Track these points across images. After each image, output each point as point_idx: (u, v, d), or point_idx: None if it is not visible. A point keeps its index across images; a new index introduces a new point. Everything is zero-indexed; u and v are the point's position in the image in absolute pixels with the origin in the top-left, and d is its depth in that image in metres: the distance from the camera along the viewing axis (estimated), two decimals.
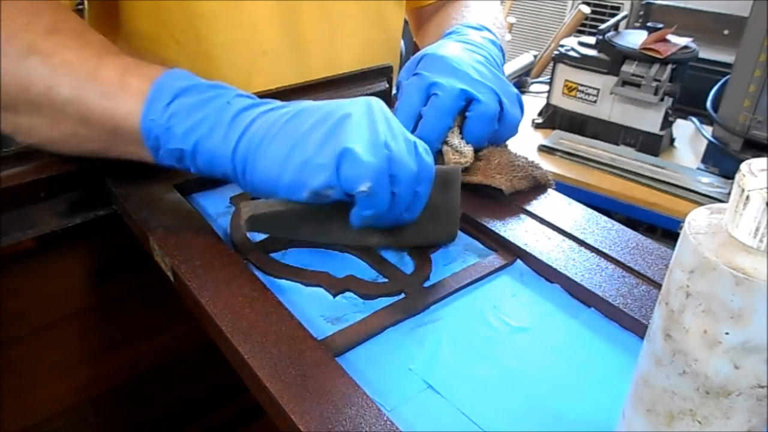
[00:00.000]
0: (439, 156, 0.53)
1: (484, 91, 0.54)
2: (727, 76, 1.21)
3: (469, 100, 0.53)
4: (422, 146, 0.43)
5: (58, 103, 0.45)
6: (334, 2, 0.70)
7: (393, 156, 0.40)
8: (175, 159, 0.44)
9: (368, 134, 0.40)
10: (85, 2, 0.69)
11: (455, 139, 0.53)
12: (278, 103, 0.44)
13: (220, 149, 0.42)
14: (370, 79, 0.68)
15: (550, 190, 0.54)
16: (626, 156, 1.28)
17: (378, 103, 0.44)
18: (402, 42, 1.75)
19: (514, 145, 0.58)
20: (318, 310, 0.42)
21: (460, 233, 0.50)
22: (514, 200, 0.52)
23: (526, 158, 0.55)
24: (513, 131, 0.56)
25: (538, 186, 0.54)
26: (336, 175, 0.39)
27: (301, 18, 0.68)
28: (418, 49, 0.60)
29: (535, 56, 1.63)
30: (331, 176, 0.39)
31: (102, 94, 0.44)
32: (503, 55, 0.64)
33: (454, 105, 0.52)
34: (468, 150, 0.53)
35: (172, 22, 0.64)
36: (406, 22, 0.91)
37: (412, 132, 0.52)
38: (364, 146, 0.39)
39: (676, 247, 0.25)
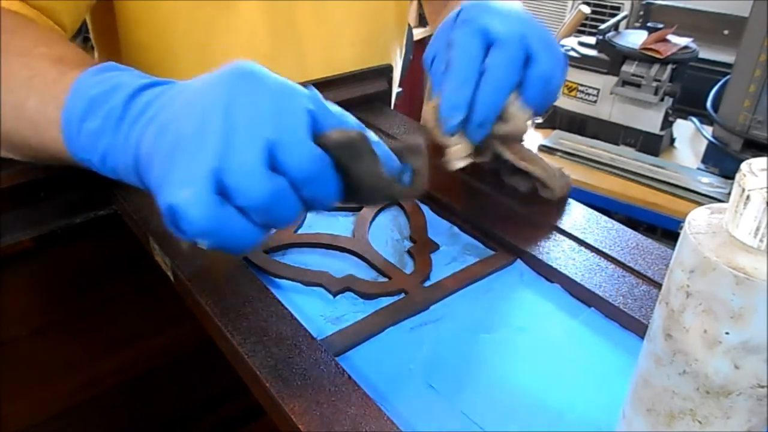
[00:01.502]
0: (498, 120, 0.46)
1: (544, 47, 0.46)
2: (727, 76, 1.22)
3: (528, 56, 0.46)
4: (299, 134, 0.33)
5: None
6: (330, 2, 0.69)
7: (230, 187, 0.32)
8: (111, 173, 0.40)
9: (199, 167, 0.32)
10: (87, 18, 0.69)
11: (515, 102, 0.46)
12: (161, 93, 0.38)
13: (123, 167, 0.38)
14: (370, 79, 0.68)
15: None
16: (626, 156, 1.28)
17: (243, 83, 0.34)
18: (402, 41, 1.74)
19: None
20: (318, 310, 0.42)
21: (459, 233, 0.50)
22: (515, 200, 0.52)
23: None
24: (554, 98, 0.49)
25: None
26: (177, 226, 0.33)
27: (297, 19, 0.68)
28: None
29: None
30: (168, 224, 0.33)
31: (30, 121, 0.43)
32: None
33: (520, 56, 0.45)
34: (527, 114, 0.46)
35: (169, 32, 0.64)
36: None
37: (473, 93, 0.45)
38: (192, 192, 0.31)
39: (676, 247, 0.25)
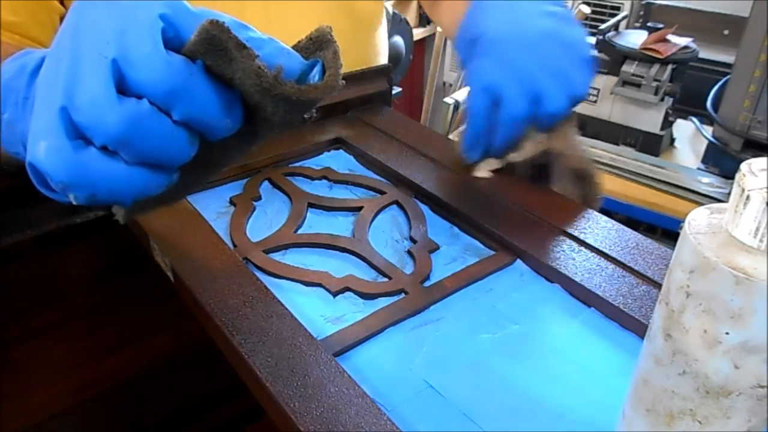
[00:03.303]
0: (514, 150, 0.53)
1: (551, 83, 0.48)
2: (727, 76, 1.22)
3: (536, 97, 0.49)
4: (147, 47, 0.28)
5: None
6: (283, 2, 0.66)
7: (81, 124, 0.28)
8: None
9: (49, 112, 0.29)
10: None
11: (530, 134, 0.51)
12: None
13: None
14: (370, 79, 0.68)
15: (550, 191, 0.54)
16: (626, 156, 1.28)
17: (89, 6, 0.30)
18: (402, 40, 1.74)
19: None
20: (318, 310, 0.42)
21: (459, 233, 0.50)
22: (514, 200, 0.52)
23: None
24: (586, 92, 0.51)
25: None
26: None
27: (246, 20, 0.65)
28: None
29: None
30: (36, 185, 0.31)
31: None
32: None
33: (523, 108, 0.49)
34: (540, 141, 0.51)
35: None
36: (406, 22, 0.90)
37: (486, 140, 0.51)
38: (46, 143, 0.28)
39: (676, 247, 0.25)
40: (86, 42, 0.29)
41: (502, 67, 0.49)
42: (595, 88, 1.34)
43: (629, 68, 1.26)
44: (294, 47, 0.32)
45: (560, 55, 0.49)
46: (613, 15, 1.53)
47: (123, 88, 0.28)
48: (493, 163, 0.54)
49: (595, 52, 1.31)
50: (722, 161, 1.23)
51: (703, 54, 1.33)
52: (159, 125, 0.29)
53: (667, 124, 1.31)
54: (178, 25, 0.29)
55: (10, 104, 0.35)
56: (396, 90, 1.68)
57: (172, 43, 0.29)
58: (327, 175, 0.56)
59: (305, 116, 0.34)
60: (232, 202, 0.52)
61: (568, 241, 0.47)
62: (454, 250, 0.48)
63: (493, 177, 0.54)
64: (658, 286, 0.42)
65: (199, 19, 0.29)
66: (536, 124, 0.50)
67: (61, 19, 0.60)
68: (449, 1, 0.72)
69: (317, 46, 0.32)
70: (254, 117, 0.33)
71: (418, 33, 2.03)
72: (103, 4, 0.29)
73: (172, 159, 0.30)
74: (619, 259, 0.45)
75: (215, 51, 0.29)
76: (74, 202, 0.30)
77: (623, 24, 1.43)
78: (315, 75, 0.32)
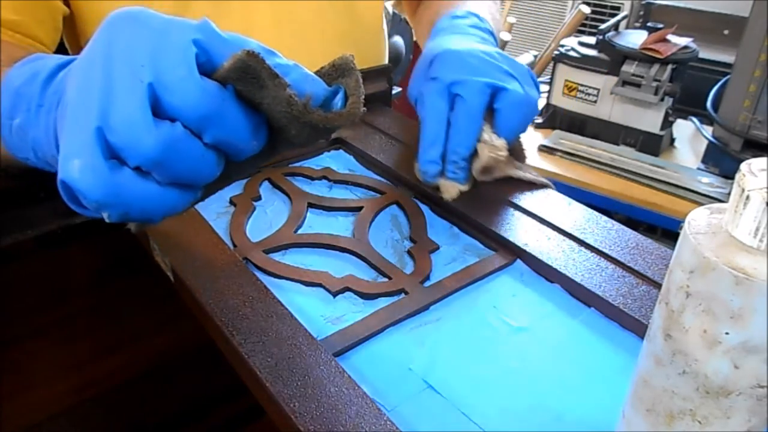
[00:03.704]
0: (475, 155, 0.51)
1: (505, 78, 0.51)
2: (727, 76, 1.22)
3: (494, 92, 0.50)
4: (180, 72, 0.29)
5: None
6: (291, 3, 0.67)
7: (117, 146, 0.29)
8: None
9: (84, 132, 0.29)
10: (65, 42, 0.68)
11: (486, 134, 0.51)
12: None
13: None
14: (370, 79, 0.68)
15: (549, 191, 0.54)
16: (626, 156, 1.28)
17: (122, 29, 0.30)
18: (402, 40, 1.74)
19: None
20: (318, 310, 0.42)
21: (459, 233, 0.50)
22: (514, 200, 0.52)
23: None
24: (535, 113, 0.54)
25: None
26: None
27: (254, 20, 0.65)
28: (419, 48, 0.59)
29: (535, 56, 1.63)
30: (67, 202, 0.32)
31: None
32: (494, 39, 0.62)
33: (482, 102, 0.50)
34: (501, 143, 0.51)
35: None
36: (406, 22, 0.90)
37: (445, 141, 0.50)
38: (81, 162, 0.29)
39: (676, 247, 0.25)
40: (120, 63, 0.29)
41: (459, 69, 0.51)
42: (595, 88, 1.34)
43: (629, 68, 1.26)
44: (317, 73, 0.33)
45: (512, 66, 0.52)
46: (613, 15, 1.53)
47: (158, 111, 0.29)
48: (458, 186, 0.51)
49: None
50: (722, 161, 1.23)
51: (703, 54, 1.33)
52: (192, 148, 0.30)
53: (667, 124, 1.31)
54: (210, 50, 0.30)
55: (23, 110, 0.35)
56: (396, 90, 1.68)
57: (204, 67, 0.30)
58: (327, 175, 0.56)
59: (325, 137, 0.36)
60: (232, 202, 0.52)
61: (568, 241, 0.47)
62: (454, 250, 0.48)
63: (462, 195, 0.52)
64: (658, 286, 0.42)
65: (229, 44, 0.30)
66: (493, 125, 0.51)
67: (64, 18, 0.60)
68: (425, 16, 0.74)
69: (339, 72, 0.34)
70: (276, 137, 0.34)
71: None
72: (135, 26, 0.30)
73: (201, 179, 0.31)
74: (619, 259, 0.45)
75: (248, 78, 0.30)
76: (107, 220, 0.31)
77: (623, 24, 1.43)
78: (338, 102, 0.33)
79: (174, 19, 0.31)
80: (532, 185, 0.54)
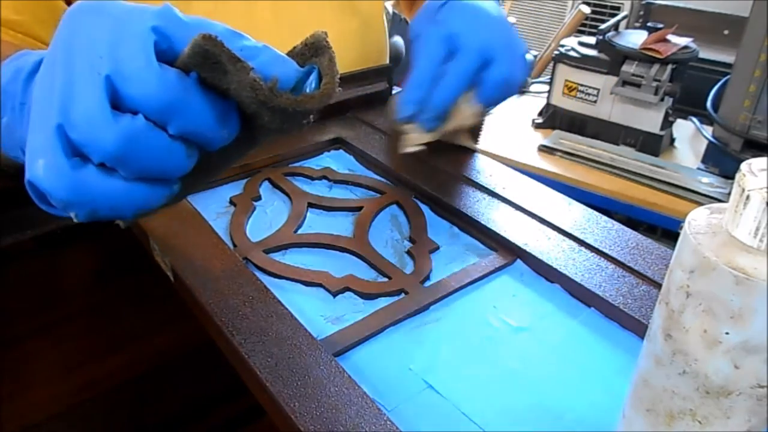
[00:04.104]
0: (451, 113, 0.51)
1: (503, 50, 0.50)
2: (727, 76, 1.21)
3: (490, 59, 0.50)
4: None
5: None
6: (291, 1, 0.67)
7: (78, 142, 0.28)
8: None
9: (46, 129, 0.28)
10: None
11: (467, 96, 0.51)
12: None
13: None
14: (370, 79, 0.68)
15: (550, 191, 0.54)
16: (626, 156, 1.28)
17: (81, 19, 0.30)
18: (402, 40, 1.74)
19: (513, 144, 0.58)
20: (318, 310, 0.42)
21: (459, 233, 0.50)
22: (514, 200, 0.52)
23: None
24: (514, 93, 0.53)
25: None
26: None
27: (257, 18, 0.65)
28: None
29: (535, 56, 1.63)
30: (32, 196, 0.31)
31: None
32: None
33: (478, 63, 0.49)
34: (477, 110, 0.51)
35: None
36: (406, 22, 0.90)
37: (427, 90, 0.49)
38: (44, 161, 0.28)
39: (676, 247, 0.25)
40: (79, 56, 0.28)
41: (463, 23, 0.50)
42: (595, 88, 1.34)
43: (629, 68, 1.26)
44: (289, 53, 0.32)
45: (513, 39, 0.51)
46: (613, 15, 1.53)
47: (118, 103, 0.28)
48: (422, 137, 0.52)
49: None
50: (722, 161, 1.23)
51: (703, 54, 1.33)
52: (155, 140, 0.28)
53: (667, 124, 1.31)
54: (171, 36, 0.29)
55: (8, 108, 0.35)
56: (396, 90, 1.68)
57: (165, 54, 0.29)
58: (327, 175, 0.56)
59: (303, 122, 0.33)
60: (232, 202, 0.52)
61: (568, 241, 0.47)
62: (454, 250, 0.48)
63: (420, 150, 0.52)
64: (658, 286, 0.42)
65: (191, 29, 0.29)
66: (475, 91, 0.51)
67: None
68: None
69: (312, 51, 0.32)
70: (251, 124, 0.32)
71: None
72: (95, 16, 0.29)
73: (171, 172, 0.30)
74: (619, 259, 0.45)
75: (209, 64, 0.28)
76: (75, 220, 0.30)
77: (623, 24, 1.43)
78: (312, 82, 0.31)
79: (135, 6, 0.29)
80: (531, 185, 0.54)
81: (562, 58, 1.36)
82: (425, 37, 0.51)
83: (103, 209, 0.29)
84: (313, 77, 0.31)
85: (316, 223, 0.51)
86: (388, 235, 0.50)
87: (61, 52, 0.29)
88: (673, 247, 0.27)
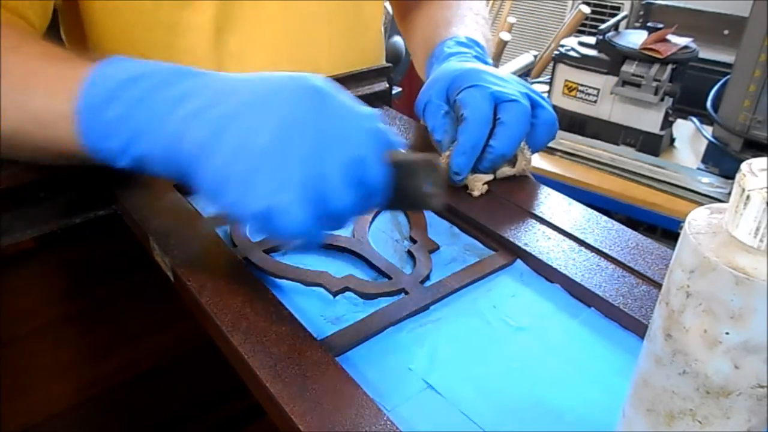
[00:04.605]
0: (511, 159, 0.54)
1: (540, 97, 0.54)
2: (727, 76, 1.21)
3: (533, 105, 0.53)
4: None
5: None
6: (298, 2, 0.67)
7: (324, 195, 0.36)
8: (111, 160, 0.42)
9: (292, 174, 0.35)
10: (60, 19, 0.68)
11: (522, 143, 0.54)
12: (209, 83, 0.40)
13: (164, 153, 0.40)
14: (370, 79, 0.68)
15: (550, 191, 0.54)
16: (626, 156, 1.28)
17: (314, 100, 0.37)
18: (402, 40, 1.74)
19: None
20: (318, 310, 0.42)
21: (459, 233, 0.50)
22: (514, 200, 0.52)
23: None
24: (554, 137, 0.57)
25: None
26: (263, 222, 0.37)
27: (264, 17, 0.65)
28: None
29: (535, 56, 1.63)
30: (255, 222, 0.37)
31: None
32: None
33: (528, 111, 0.52)
34: (530, 155, 0.55)
35: (133, 33, 0.62)
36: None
37: (487, 142, 0.52)
38: (290, 197, 0.35)
39: (676, 247, 0.25)
40: (330, 134, 0.36)
41: (497, 81, 0.53)
42: (595, 88, 1.33)
43: (629, 68, 1.26)
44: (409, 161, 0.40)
45: (534, 91, 0.55)
46: (613, 15, 1.53)
47: (355, 176, 0.37)
48: (484, 177, 0.53)
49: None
50: (722, 161, 1.23)
51: (703, 54, 1.33)
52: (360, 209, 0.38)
53: (667, 124, 1.30)
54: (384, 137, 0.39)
55: (122, 104, 0.40)
56: (396, 90, 1.68)
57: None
58: None
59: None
60: None
61: (568, 241, 0.47)
62: (454, 250, 0.48)
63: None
64: (658, 286, 0.42)
65: (389, 134, 0.40)
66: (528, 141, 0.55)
67: (55, 7, 0.60)
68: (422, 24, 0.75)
69: (427, 166, 0.40)
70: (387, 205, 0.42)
71: None
72: (328, 103, 0.38)
73: (342, 227, 0.40)
74: (619, 259, 0.45)
75: (410, 171, 0.39)
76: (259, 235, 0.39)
77: (623, 24, 1.43)
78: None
79: (354, 103, 0.39)
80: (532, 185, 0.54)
81: (562, 58, 1.36)
82: (468, 100, 0.52)
83: (292, 238, 0.37)
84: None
85: None
86: (388, 235, 0.50)
87: (311, 123, 0.37)
88: (673, 247, 0.27)
